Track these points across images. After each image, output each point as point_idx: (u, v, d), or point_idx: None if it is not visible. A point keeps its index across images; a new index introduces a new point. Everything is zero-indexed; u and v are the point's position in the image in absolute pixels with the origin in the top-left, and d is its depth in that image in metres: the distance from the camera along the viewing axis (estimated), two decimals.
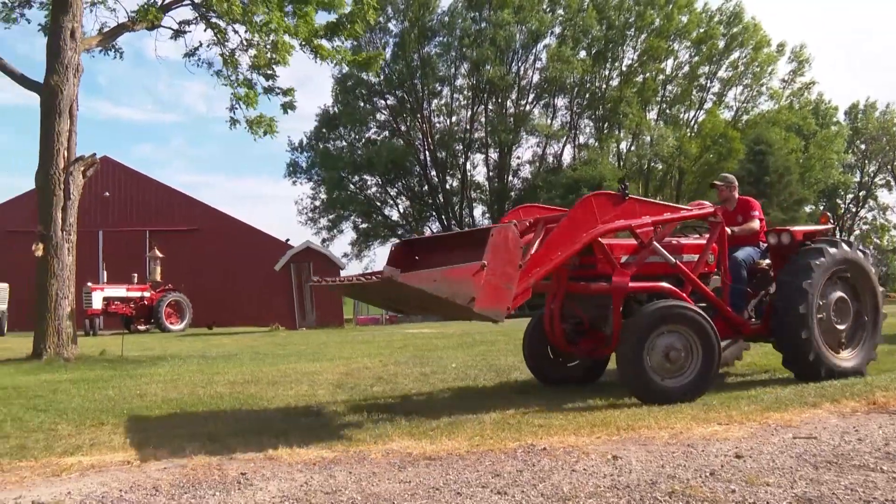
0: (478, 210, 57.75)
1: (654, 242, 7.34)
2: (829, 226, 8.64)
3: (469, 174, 56.37)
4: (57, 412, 7.17)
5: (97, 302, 28.06)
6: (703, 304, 7.46)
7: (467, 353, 12.14)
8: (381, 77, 50.01)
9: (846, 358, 7.98)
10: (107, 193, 36.22)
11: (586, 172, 42.54)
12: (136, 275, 30.17)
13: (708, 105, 56.32)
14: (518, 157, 56.84)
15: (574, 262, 7.52)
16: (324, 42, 16.78)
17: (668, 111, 56.84)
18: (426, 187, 55.99)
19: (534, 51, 53.24)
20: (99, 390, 8.96)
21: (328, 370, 10.52)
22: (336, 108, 54.46)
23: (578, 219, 7.10)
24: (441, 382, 8.83)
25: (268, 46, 16.65)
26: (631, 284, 7.19)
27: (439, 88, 54.18)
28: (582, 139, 56.80)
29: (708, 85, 56.23)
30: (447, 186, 55.92)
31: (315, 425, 6.07)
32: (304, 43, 16.64)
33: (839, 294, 7.98)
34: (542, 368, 8.40)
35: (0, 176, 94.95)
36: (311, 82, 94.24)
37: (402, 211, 57.58)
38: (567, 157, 55.72)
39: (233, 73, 17.08)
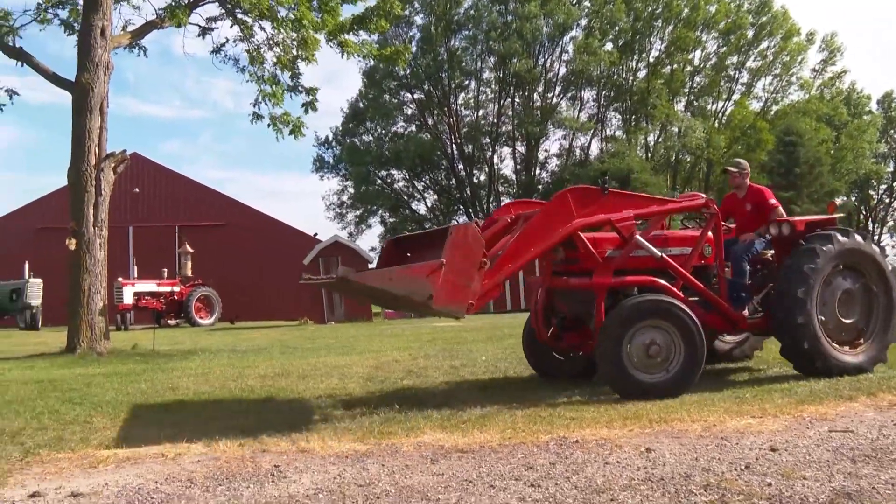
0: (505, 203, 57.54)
1: (637, 236, 7.24)
2: (838, 215, 8.28)
3: (496, 167, 56.30)
4: (92, 405, 7.26)
5: (128, 297, 28.40)
6: (696, 299, 7.41)
7: (497, 346, 12.13)
8: (408, 71, 50.03)
9: (850, 354, 7.62)
10: (136, 189, 36.59)
11: (614, 165, 42.32)
12: (165, 270, 30.48)
13: (736, 96, 55.71)
14: (545, 151, 56.69)
15: (560, 257, 7.56)
16: (350, 37, 16.80)
17: (695, 102, 56.32)
18: (453, 181, 55.99)
19: (560, 43, 53.00)
20: (132, 384, 9.07)
21: (358, 363, 10.56)
22: (363, 103, 54.60)
23: (553, 214, 7.16)
24: (471, 375, 8.82)
25: (294, 42, 16.70)
26: (614, 279, 7.15)
27: (466, 82, 54.13)
28: (609, 132, 56.48)
29: (736, 76, 55.63)
30: (474, 180, 55.88)
31: (346, 418, 6.09)
32: (330, 37, 16.67)
33: (847, 286, 7.68)
34: (541, 363, 8.37)
35: (33, 174, 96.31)
36: (336, 78, 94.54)
37: (429, 205, 57.68)
38: (594, 149, 55.47)
39: (259, 69, 17.15)
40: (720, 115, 56.19)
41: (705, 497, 3.71)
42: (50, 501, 4.07)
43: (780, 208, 8.31)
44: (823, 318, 7.48)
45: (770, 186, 11.84)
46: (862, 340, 7.75)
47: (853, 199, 61.35)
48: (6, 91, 17.12)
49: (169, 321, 29.52)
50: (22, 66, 15.70)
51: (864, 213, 67.48)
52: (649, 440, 5.01)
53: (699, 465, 4.33)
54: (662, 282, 7.23)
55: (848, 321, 7.64)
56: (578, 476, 4.17)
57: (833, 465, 4.20)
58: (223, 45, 17.90)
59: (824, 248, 7.45)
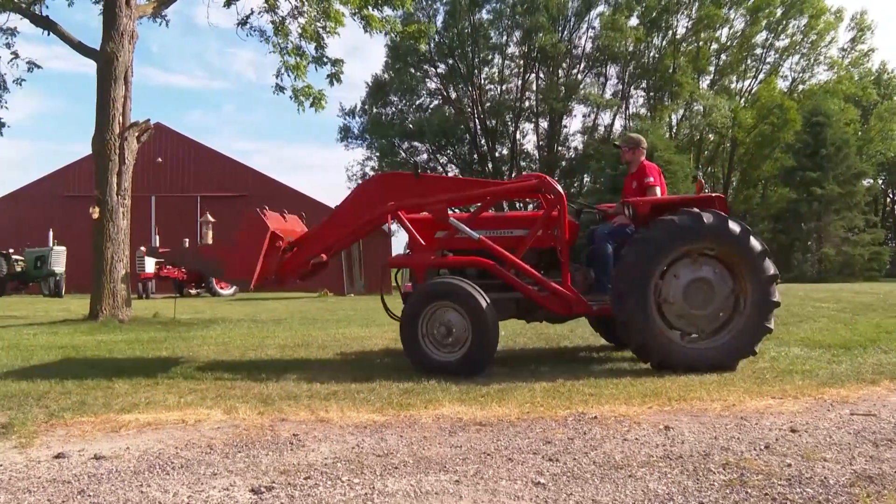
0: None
1: (452, 218, 7.49)
2: (707, 195, 7.45)
3: (519, 143, 56.06)
4: (114, 371, 7.33)
5: (150, 266, 28.66)
6: (529, 281, 7.35)
7: (515, 321, 12.10)
8: (433, 44, 49.81)
9: (705, 345, 7.00)
10: (159, 160, 36.81)
11: None
12: (187, 240, 30.60)
13: (763, 75, 54.97)
14: (565, 126, 56.37)
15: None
16: (374, 12, 16.68)
17: (721, 81, 55.64)
18: (476, 155, 55.84)
19: (587, 19, 52.45)
20: (153, 351, 9.16)
21: (377, 336, 10.60)
22: (388, 76, 54.47)
23: (362, 198, 7.89)
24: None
25: (318, 14, 16.61)
26: (434, 259, 7.47)
27: (490, 56, 53.81)
28: (632, 109, 56.00)
29: (763, 54, 54.83)
30: (497, 155, 55.71)
31: (365, 389, 6.10)
32: (354, 12, 16.57)
33: (701, 274, 6.97)
34: None
35: (57, 143, 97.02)
36: (360, 52, 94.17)
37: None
38: (617, 127, 55.05)
39: (283, 40, 17.09)
40: (746, 93, 55.49)
41: (724, 476, 3.69)
42: (74, 463, 4.12)
43: (657, 188, 7.93)
44: (670, 306, 6.97)
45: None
46: (724, 332, 7.05)
47: (880, 182, 60.55)
48: (27, 63, 17.25)
49: (190, 290, 29.78)
50: (48, 35, 15.77)
51: (891, 196, 66.59)
52: (668, 418, 4.98)
53: (718, 443, 4.30)
54: (489, 262, 7.31)
55: (700, 312, 6.98)
56: (596, 452, 4.16)
57: (854, 448, 4.16)
58: (248, 16, 17.86)
59: (658, 236, 6.92)
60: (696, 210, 6.98)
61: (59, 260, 29.86)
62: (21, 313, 17.82)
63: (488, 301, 6.93)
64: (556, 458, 4.04)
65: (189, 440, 4.58)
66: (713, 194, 7.45)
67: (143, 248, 28.27)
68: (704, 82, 55.22)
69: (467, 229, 7.43)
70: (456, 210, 8.29)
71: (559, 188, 7.50)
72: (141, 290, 27.90)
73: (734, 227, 6.91)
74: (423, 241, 7.48)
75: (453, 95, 55.36)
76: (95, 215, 14.05)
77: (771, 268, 6.98)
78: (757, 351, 7.05)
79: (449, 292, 6.98)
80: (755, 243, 6.96)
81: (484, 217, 7.74)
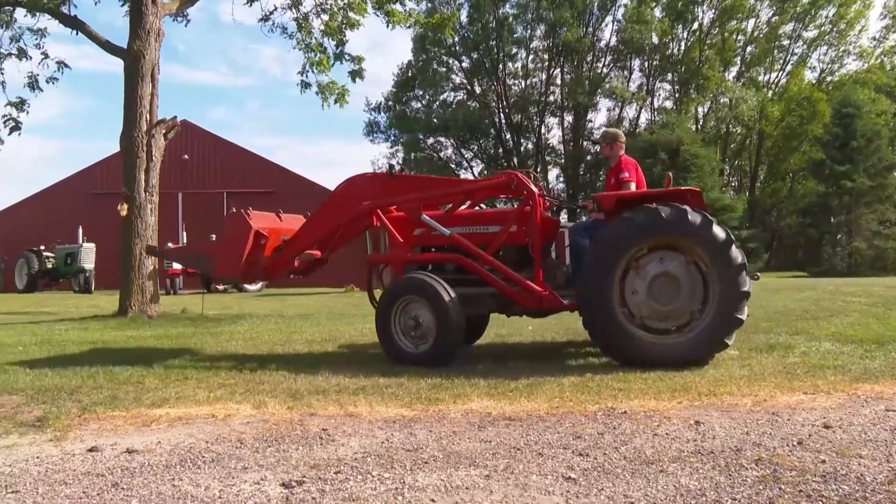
0: (552, 173, 57.35)
1: (424, 215, 7.73)
2: (676, 189, 7.25)
3: (544, 138, 55.88)
4: (143, 366, 7.41)
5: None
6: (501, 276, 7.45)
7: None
8: (457, 39, 49.78)
9: (673, 339, 6.84)
10: (185, 157, 37.08)
11: (663, 136, 41.63)
12: (213, 236, 30.89)
13: (790, 66, 54.26)
14: (590, 121, 56.08)
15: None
16: (396, 6, 16.69)
17: (747, 73, 55.02)
18: (501, 150, 55.75)
19: (611, 11, 52.13)
20: (182, 347, 9.25)
21: None
22: (412, 71, 54.52)
23: (338, 199, 8.26)
24: (517, 344, 8.81)
25: (341, 9, 16.65)
26: (412, 255, 7.86)
27: (515, 51, 53.68)
28: (658, 102, 55.60)
29: (791, 45, 54.12)
30: (522, 150, 55.59)
31: (393, 384, 6.11)
32: (377, 6, 16.58)
33: (665, 268, 6.82)
34: None
35: (86, 141, 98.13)
36: (382, 46, 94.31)
37: (476, 174, 57.65)
38: (643, 120, 54.69)
39: (306, 36, 17.15)
40: (774, 85, 54.84)
41: (757, 472, 3.65)
42: (107, 456, 4.17)
43: (632, 182, 7.77)
44: (636, 302, 6.86)
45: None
46: (693, 325, 6.85)
47: None
48: (56, 63, 17.45)
49: (217, 286, 29.99)
50: (76, 34, 15.94)
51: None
52: (698, 413, 4.94)
53: (750, 439, 4.26)
54: (462, 258, 7.56)
55: (665, 307, 6.82)
56: (627, 447, 4.14)
57: (891, 445, 4.09)
58: (272, 12, 17.93)
59: (620, 230, 6.87)
60: (653, 205, 6.86)
61: (88, 257, 30.23)
62: (52, 309, 18.07)
63: (453, 296, 7.16)
64: (586, 453, 4.02)
65: (219, 434, 4.61)
66: (685, 188, 7.31)
67: (170, 244, 28.47)
68: (731, 74, 54.67)
69: (438, 226, 7.67)
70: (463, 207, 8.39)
71: (531, 185, 7.57)
72: (168, 286, 28.14)
73: (694, 218, 6.74)
74: (400, 238, 7.81)
75: (478, 90, 55.28)
76: (124, 212, 14.19)
77: (738, 257, 6.77)
78: (730, 343, 6.86)
79: (417, 287, 7.28)
80: (719, 233, 6.77)
81: (460, 214, 7.96)
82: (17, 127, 17.21)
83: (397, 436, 4.48)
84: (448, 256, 7.70)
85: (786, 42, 53.99)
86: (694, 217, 6.74)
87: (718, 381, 5.98)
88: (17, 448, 4.41)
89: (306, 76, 17.15)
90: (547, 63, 54.04)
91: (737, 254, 6.78)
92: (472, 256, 7.52)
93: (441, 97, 55.62)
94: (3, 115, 17.06)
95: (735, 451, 4.02)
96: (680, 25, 52.72)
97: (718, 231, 6.78)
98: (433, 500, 3.36)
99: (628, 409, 5.05)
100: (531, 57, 54.45)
